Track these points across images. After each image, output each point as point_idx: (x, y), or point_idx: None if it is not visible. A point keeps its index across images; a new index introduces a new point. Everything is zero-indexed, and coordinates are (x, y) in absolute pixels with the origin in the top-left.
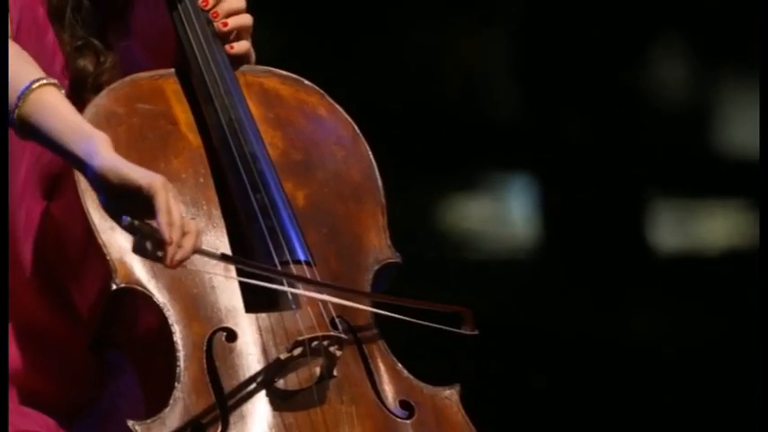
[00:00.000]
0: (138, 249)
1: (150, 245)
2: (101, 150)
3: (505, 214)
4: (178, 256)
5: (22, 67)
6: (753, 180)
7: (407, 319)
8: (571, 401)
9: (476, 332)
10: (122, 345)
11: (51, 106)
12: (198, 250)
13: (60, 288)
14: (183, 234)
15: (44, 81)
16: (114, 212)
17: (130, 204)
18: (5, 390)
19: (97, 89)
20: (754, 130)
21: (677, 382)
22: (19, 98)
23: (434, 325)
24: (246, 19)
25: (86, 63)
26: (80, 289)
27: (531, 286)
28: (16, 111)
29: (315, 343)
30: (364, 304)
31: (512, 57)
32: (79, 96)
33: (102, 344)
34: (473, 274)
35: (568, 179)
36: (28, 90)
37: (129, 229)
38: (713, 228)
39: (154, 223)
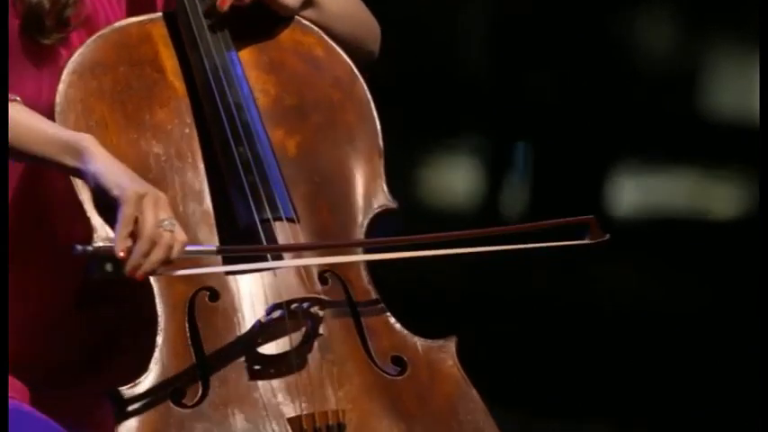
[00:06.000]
0: (95, 272)
1: (111, 265)
2: (92, 156)
3: (495, 177)
4: (141, 270)
5: None
6: (739, 145)
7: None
8: (568, 360)
9: (606, 236)
10: (108, 304)
11: (22, 126)
12: (170, 261)
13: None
14: (153, 245)
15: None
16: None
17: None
18: (5, 389)
19: (62, 25)
20: (745, 94)
21: (667, 345)
22: None
23: (562, 243)
24: None
25: None
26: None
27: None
28: None
29: (294, 305)
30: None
31: (497, 20)
32: (32, 37)
33: (89, 302)
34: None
35: (553, 143)
36: None
37: (81, 255)
38: (704, 194)
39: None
